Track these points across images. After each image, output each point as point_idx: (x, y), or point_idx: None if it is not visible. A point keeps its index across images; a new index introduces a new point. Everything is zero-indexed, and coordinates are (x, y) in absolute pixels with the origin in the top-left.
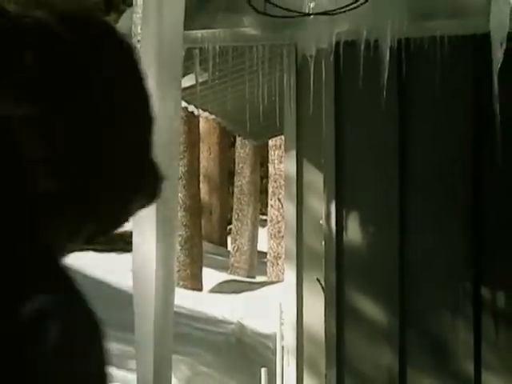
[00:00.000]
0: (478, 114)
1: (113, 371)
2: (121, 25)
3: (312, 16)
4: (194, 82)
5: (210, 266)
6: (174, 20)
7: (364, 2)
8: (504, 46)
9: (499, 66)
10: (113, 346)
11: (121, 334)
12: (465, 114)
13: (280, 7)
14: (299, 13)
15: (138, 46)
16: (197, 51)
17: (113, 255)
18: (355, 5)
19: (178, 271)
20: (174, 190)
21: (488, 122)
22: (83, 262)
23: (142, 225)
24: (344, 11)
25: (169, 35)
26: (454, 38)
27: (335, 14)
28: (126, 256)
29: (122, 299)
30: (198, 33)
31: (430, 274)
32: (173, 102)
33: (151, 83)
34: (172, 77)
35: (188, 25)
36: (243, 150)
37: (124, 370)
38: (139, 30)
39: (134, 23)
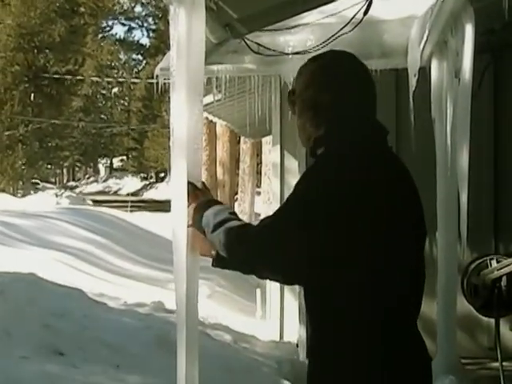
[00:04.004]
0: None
1: (159, 290)
2: (164, 61)
3: (290, 56)
4: (212, 100)
5: None
6: (198, 57)
7: (324, 46)
8: (416, 77)
9: (413, 89)
10: (159, 274)
11: (166, 267)
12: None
13: (269, 49)
14: (281, 53)
15: (173, 74)
16: (214, 79)
17: (160, 214)
18: (318, 47)
19: None
20: (199, 170)
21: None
22: (141, 219)
23: (178, 193)
24: (310, 52)
25: (194, 67)
26: (383, 71)
27: (305, 53)
28: (170, 214)
29: (166, 243)
30: (215, 67)
31: None
32: (198, 111)
33: (183, 99)
34: (197, 95)
35: (208, 61)
36: (245, 144)
37: (166, 289)
38: (174, 64)
39: (172, 59)
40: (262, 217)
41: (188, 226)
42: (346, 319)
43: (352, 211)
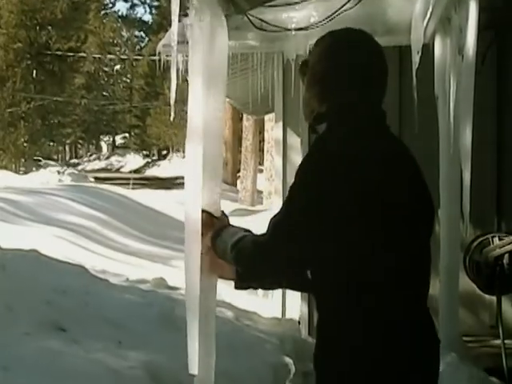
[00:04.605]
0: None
1: (161, 267)
2: (166, 38)
3: (293, 33)
4: None
5: (226, 198)
6: (222, 37)
7: (326, 23)
8: (420, 54)
9: (417, 67)
10: (161, 251)
11: (168, 244)
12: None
13: (271, 25)
14: (284, 29)
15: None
16: None
17: (162, 191)
18: (320, 24)
19: None
20: (220, 150)
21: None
22: (143, 196)
23: (194, 172)
24: (313, 28)
25: (217, 49)
26: (386, 48)
27: (308, 30)
28: (172, 192)
29: (168, 221)
30: None
31: None
32: (219, 97)
33: (201, 86)
34: (219, 81)
35: None
36: (248, 122)
37: (168, 266)
38: (175, 39)
39: (172, 33)
40: (264, 193)
41: (203, 254)
42: (353, 300)
43: (353, 192)
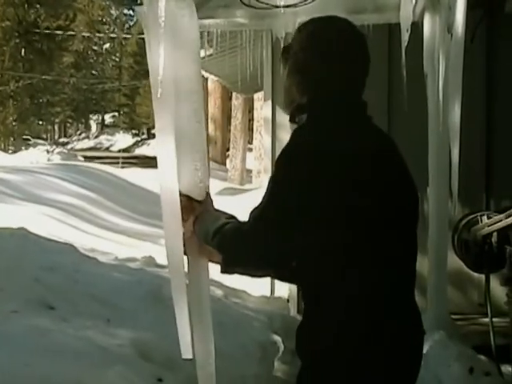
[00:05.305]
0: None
1: (150, 245)
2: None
3: (282, 10)
4: (203, 55)
5: (215, 177)
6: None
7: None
8: (409, 32)
9: (406, 44)
10: (150, 229)
11: (157, 222)
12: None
13: (260, 2)
14: (273, 6)
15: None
16: (205, 34)
17: (152, 170)
18: (309, 1)
19: None
20: (201, 125)
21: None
22: (133, 175)
23: (164, 146)
24: (302, 6)
25: (186, 22)
26: (375, 26)
27: (296, 6)
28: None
29: (157, 199)
30: (206, 21)
31: None
32: (194, 67)
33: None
34: (191, 52)
35: (199, 15)
36: (237, 101)
37: (157, 244)
38: (163, 15)
39: (160, 10)
40: (253, 172)
41: (186, 238)
42: (335, 290)
43: (333, 182)
